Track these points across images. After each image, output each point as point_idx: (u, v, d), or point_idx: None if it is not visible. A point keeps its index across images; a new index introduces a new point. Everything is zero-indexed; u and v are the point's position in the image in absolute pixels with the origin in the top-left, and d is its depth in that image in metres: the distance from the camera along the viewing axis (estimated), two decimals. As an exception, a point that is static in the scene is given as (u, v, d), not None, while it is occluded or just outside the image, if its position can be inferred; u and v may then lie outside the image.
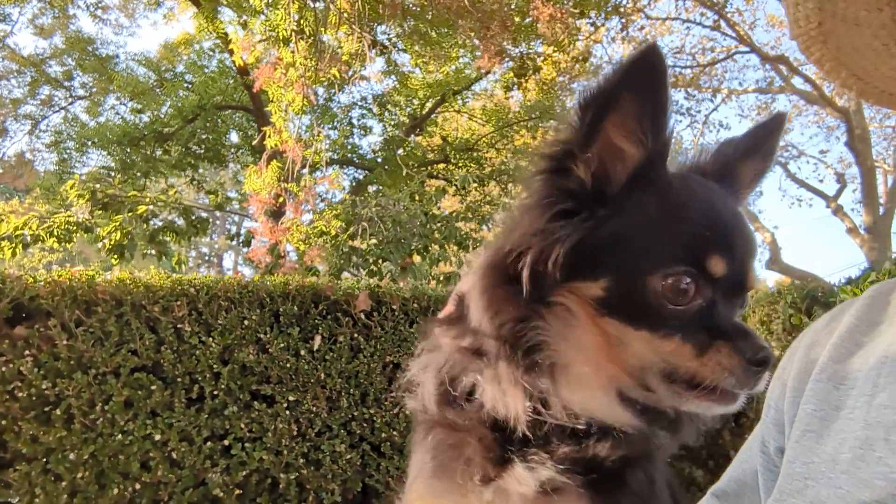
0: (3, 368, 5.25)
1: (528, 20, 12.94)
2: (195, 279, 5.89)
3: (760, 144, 1.30)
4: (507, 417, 1.11)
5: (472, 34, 12.62)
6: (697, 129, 25.41)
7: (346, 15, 11.02)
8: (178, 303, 5.67)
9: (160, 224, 13.76)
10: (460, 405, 1.16)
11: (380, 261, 12.47)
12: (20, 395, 5.27)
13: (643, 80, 1.05)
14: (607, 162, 1.10)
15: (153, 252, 13.62)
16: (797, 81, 23.38)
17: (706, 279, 1.07)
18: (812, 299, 5.72)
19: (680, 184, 1.15)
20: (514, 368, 1.09)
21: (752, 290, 1.17)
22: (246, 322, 5.75)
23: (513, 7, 13.10)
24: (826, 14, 1.44)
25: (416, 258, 12.50)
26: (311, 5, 11.91)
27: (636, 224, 1.09)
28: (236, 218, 35.59)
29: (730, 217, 1.15)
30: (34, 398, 5.31)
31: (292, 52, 11.52)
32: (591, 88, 1.06)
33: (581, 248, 1.07)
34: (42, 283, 5.54)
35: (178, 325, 5.65)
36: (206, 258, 50.89)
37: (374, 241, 12.69)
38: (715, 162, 1.28)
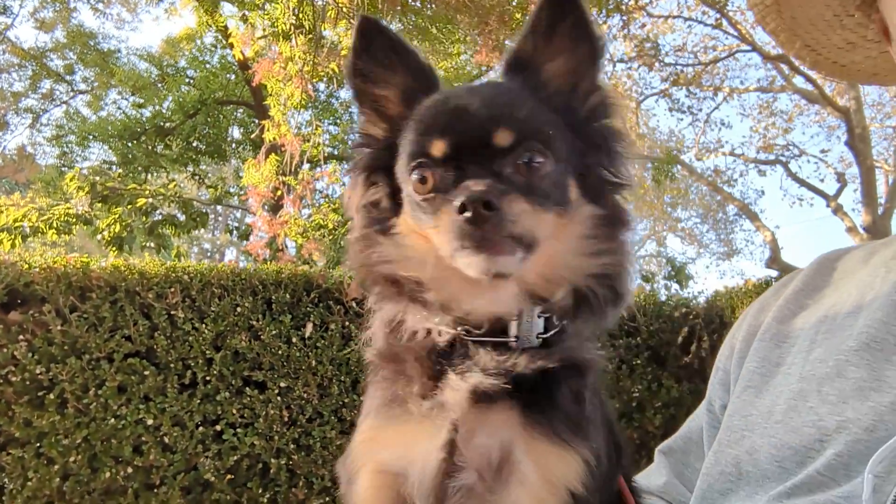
0: (-2, 353, 5.32)
1: (526, 16, 12.94)
2: (188, 266, 5.95)
3: (551, 31, 1.29)
4: (431, 338, 1.23)
5: (471, 29, 12.63)
6: (699, 127, 25.45)
7: (344, 10, 11.06)
8: (172, 290, 5.72)
9: (160, 217, 13.84)
10: (402, 338, 1.27)
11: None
12: (14, 379, 5.34)
13: (367, 44, 1.34)
14: (383, 109, 1.37)
15: (152, 245, 13.70)
16: (798, 81, 23.34)
17: (435, 161, 1.20)
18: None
19: (434, 97, 1.31)
20: (407, 296, 1.25)
21: (503, 141, 1.17)
22: (239, 309, 5.80)
23: (513, 3, 13.11)
24: None
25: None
26: (310, 0, 11.95)
27: (402, 141, 1.29)
28: (238, 214, 35.65)
29: (461, 101, 1.24)
30: (28, 382, 5.37)
31: (291, 46, 11.56)
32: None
33: (385, 176, 1.32)
34: (37, 269, 5.60)
35: (172, 312, 5.70)
36: (209, 254, 50.94)
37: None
38: (509, 59, 1.35)
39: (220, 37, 20.90)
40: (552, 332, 1.20)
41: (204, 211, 14.58)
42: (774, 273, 19.90)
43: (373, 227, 1.31)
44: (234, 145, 24.35)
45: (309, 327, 5.90)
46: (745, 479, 1.29)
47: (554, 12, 1.28)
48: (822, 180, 25.29)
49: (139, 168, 21.24)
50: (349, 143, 22.73)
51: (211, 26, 19.45)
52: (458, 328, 1.20)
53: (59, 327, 5.46)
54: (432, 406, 1.19)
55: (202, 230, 13.75)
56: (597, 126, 1.30)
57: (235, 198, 24.63)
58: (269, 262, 11.62)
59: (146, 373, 5.56)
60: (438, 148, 1.20)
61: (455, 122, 1.20)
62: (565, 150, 1.22)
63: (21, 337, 5.42)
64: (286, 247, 13.22)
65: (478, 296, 1.20)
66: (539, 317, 1.20)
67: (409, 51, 1.38)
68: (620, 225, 1.27)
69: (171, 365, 5.65)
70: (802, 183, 25.04)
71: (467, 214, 1.06)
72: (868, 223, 19.99)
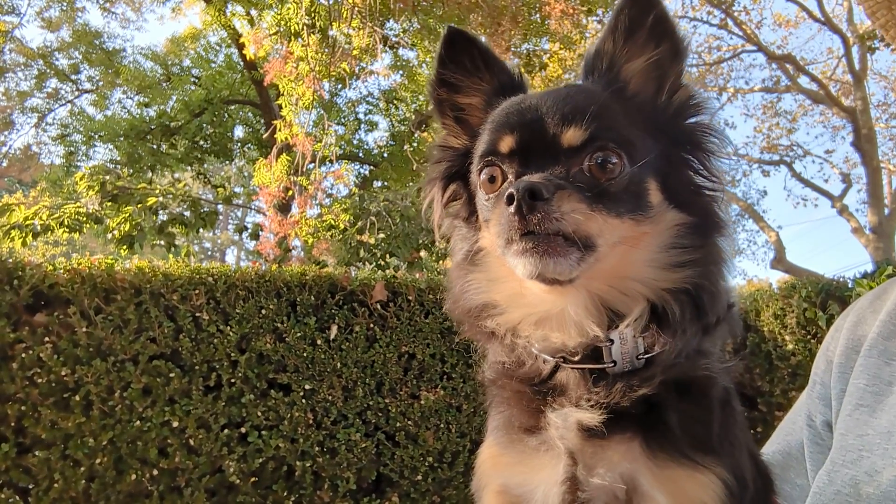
0: (23, 355, 5.29)
1: (537, 16, 12.96)
2: (213, 268, 5.93)
3: (631, 30, 1.26)
4: (535, 367, 1.22)
5: (482, 30, 12.62)
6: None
7: (357, 10, 11.04)
8: (197, 291, 5.71)
9: (168, 217, 13.80)
10: (509, 368, 1.29)
11: (387, 255, 12.52)
12: (40, 381, 5.31)
13: (453, 53, 1.38)
14: (466, 118, 1.39)
15: (162, 244, 13.68)
16: (803, 81, 23.39)
17: (502, 158, 1.20)
18: (826, 294, 5.76)
19: (511, 99, 1.30)
20: (499, 339, 1.26)
21: (573, 140, 1.14)
22: (263, 311, 5.79)
23: (522, 3, 13.10)
24: None
25: (423, 253, 12.56)
26: (322, 1, 11.93)
27: (477, 145, 1.30)
28: (239, 213, 35.62)
29: (535, 101, 1.22)
30: (53, 384, 5.35)
31: (304, 46, 11.54)
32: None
33: (463, 184, 1.36)
34: (61, 271, 5.58)
35: (197, 314, 5.69)
36: (209, 253, 50.90)
37: (382, 235, 12.74)
38: (591, 62, 1.32)
39: (225, 36, 20.86)
40: (655, 352, 1.13)
41: (213, 210, 14.54)
42: (783, 274, 19.92)
43: (464, 256, 1.31)
44: (238, 144, 24.31)
45: (333, 329, 5.88)
46: (866, 500, 1.28)
47: (634, 12, 1.25)
48: (826, 180, 25.36)
49: (144, 167, 21.20)
50: (354, 142, 22.77)
51: (220, 28, 19.41)
52: (556, 356, 1.17)
53: (84, 329, 5.44)
54: (542, 440, 1.17)
55: (202, 229, 13.70)
56: (685, 124, 1.26)
57: (242, 197, 24.60)
58: (279, 262, 11.63)
59: (171, 375, 5.54)
60: (506, 144, 1.18)
61: (525, 120, 1.18)
62: (646, 152, 1.17)
63: (46, 339, 5.40)
64: (294, 247, 13.22)
65: (550, 310, 1.17)
66: (637, 337, 1.13)
67: (496, 58, 1.37)
68: (712, 232, 1.20)
69: (196, 367, 5.63)
70: (807, 183, 25.09)
71: (514, 205, 1.03)
72: (874, 224, 20.01)
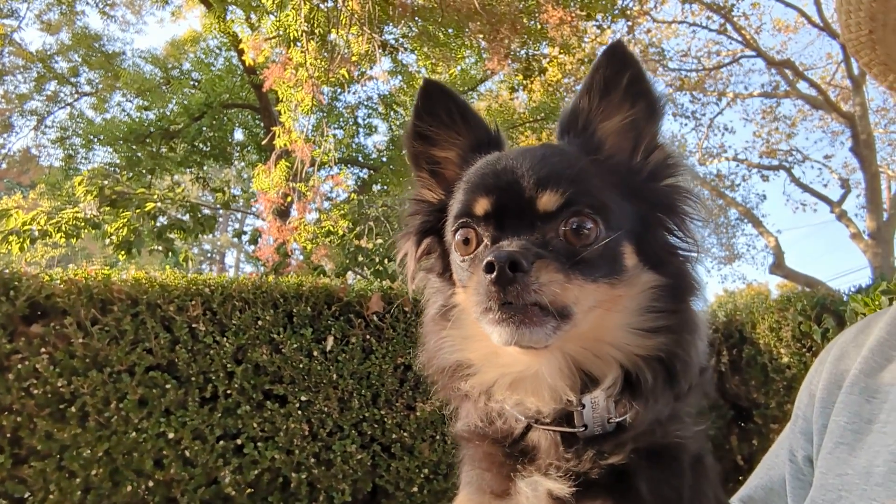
0: (19, 366, 5.29)
1: (534, 23, 12.98)
2: (209, 279, 5.94)
3: (606, 89, 1.26)
4: (506, 427, 1.22)
5: (481, 36, 12.64)
6: (702, 132, 25.47)
7: (356, 16, 11.06)
8: (193, 302, 5.71)
9: (167, 221, 13.80)
10: (480, 426, 1.30)
11: (385, 260, 12.53)
12: (36, 392, 5.32)
13: (430, 105, 1.35)
14: (441, 171, 1.38)
15: (160, 249, 13.67)
16: (802, 86, 23.42)
17: (478, 221, 1.19)
18: (822, 307, 5.77)
19: (487, 158, 1.29)
20: (472, 401, 1.26)
21: (549, 205, 1.13)
22: (259, 322, 5.80)
23: (520, 10, 13.13)
24: (877, 23, 1.48)
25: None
26: (321, 7, 11.95)
27: (452, 202, 1.30)
28: (238, 216, 35.64)
29: (511, 162, 1.20)
30: (49, 395, 5.35)
31: (302, 51, 11.56)
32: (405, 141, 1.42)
33: (438, 240, 1.35)
34: (58, 282, 5.59)
35: (193, 325, 5.69)
36: (209, 255, 50.95)
37: (380, 240, 12.74)
38: (567, 121, 1.32)
39: (225, 40, 20.88)
40: (626, 416, 1.13)
41: (212, 215, 14.55)
42: (781, 279, 19.94)
43: (438, 311, 1.31)
44: (237, 148, 24.31)
45: (330, 341, 5.89)
46: None
47: (609, 71, 1.25)
48: (825, 185, 25.46)
49: (144, 171, 21.20)
50: (353, 146, 22.78)
51: (220, 33, 19.41)
52: (527, 418, 1.17)
53: (80, 340, 5.45)
54: None
55: (200, 234, 13.71)
56: (660, 186, 1.25)
57: (240, 201, 24.58)
58: (277, 268, 11.62)
59: (167, 386, 5.55)
60: (482, 207, 1.17)
61: (500, 183, 1.17)
62: (621, 215, 1.16)
63: (42, 350, 5.40)
64: (293, 252, 13.22)
65: (524, 372, 1.17)
66: (609, 401, 1.13)
67: (473, 113, 1.37)
68: (686, 295, 1.20)
69: (192, 378, 5.63)
70: (805, 188, 25.12)
71: (493, 275, 1.02)
72: (873, 229, 20.03)
